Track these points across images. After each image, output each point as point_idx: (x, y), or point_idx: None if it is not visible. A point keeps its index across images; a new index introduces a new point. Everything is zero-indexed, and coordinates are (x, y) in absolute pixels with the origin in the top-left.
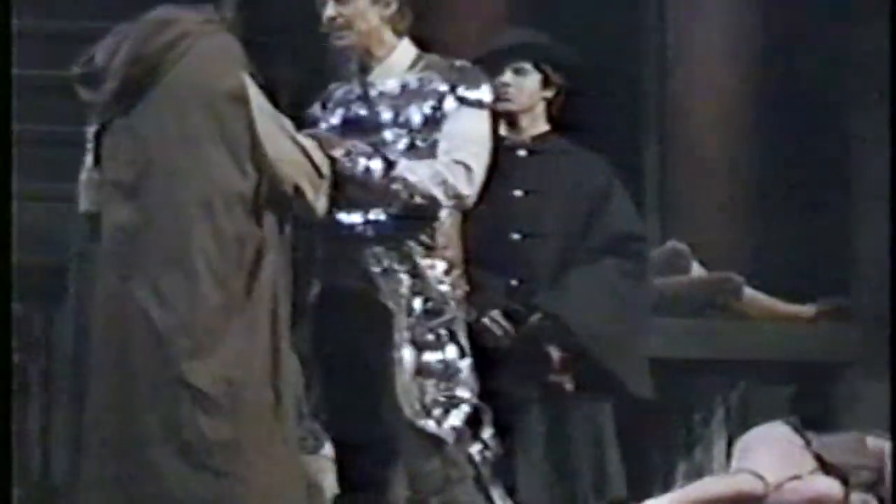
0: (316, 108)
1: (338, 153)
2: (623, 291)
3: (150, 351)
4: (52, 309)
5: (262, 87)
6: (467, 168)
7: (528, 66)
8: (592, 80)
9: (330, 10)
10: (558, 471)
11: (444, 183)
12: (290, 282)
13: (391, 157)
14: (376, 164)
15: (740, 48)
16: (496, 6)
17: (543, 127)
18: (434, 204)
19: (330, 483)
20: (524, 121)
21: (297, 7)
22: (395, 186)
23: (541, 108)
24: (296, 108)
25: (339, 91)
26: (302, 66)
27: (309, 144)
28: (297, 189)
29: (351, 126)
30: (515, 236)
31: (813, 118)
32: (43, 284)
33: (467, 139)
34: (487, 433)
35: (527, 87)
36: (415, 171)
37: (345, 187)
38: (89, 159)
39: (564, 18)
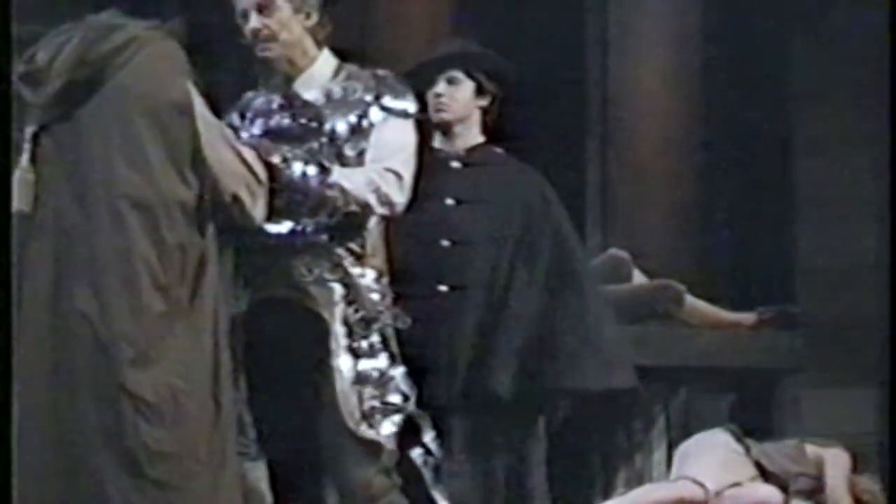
0: (234, 118)
1: (275, 159)
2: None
3: (91, 358)
4: None
5: (203, 94)
6: (398, 176)
7: (460, 75)
8: (534, 88)
9: (254, 22)
10: (479, 482)
11: (377, 190)
12: (229, 292)
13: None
14: (312, 171)
15: (683, 57)
16: (439, 17)
17: (478, 138)
18: (367, 211)
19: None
20: (458, 130)
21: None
22: (330, 193)
23: (476, 117)
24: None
25: (257, 101)
26: (244, 74)
27: (248, 154)
28: (235, 198)
29: (273, 136)
30: (445, 243)
31: (755, 125)
32: None
33: (396, 148)
34: (429, 437)
35: (460, 96)
36: (349, 178)
37: (281, 194)
38: (25, 159)
39: (508, 28)
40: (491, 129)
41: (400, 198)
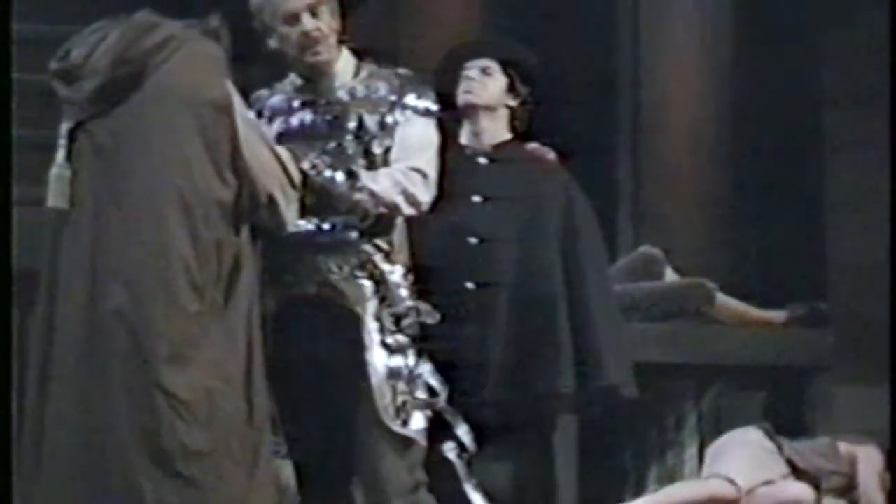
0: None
1: (305, 166)
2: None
3: (127, 356)
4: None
5: (241, 93)
6: (424, 175)
7: (494, 66)
8: (565, 86)
9: (308, 25)
10: (509, 478)
11: (404, 191)
12: (261, 291)
13: (349, 165)
14: (340, 177)
15: (714, 56)
16: (470, 18)
17: (506, 135)
18: (395, 211)
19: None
20: (485, 123)
21: None
22: (360, 196)
23: (503, 114)
24: None
25: (273, 99)
26: (282, 72)
27: (285, 155)
28: (271, 198)
29: (294, 134)
30: (472, 240)
31: (786, 124)
32: None
33: (420, 147)
34: (462, 431)
35: (491, 85)
36: (377, 181)
37: (312, 198)
38: (61, 155)
39: (540, 28)
40: (518, 131)
41: (426, 196)
